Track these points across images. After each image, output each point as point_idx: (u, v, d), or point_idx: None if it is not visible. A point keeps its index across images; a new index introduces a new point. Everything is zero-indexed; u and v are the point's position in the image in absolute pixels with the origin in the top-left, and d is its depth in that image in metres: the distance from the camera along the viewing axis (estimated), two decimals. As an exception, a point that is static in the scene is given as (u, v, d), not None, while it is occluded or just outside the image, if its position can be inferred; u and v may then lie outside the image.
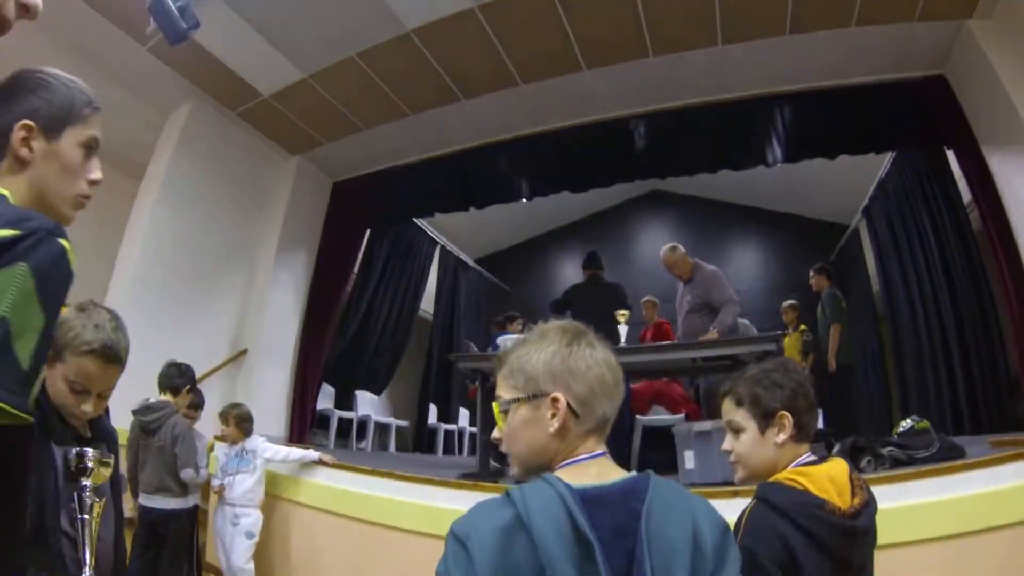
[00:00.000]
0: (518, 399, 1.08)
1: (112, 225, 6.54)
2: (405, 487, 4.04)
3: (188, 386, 4.10)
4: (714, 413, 5.01)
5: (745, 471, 1.61)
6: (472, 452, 9.15)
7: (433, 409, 9.82)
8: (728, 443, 1.63)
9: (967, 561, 2.73)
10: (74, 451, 1.43)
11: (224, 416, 4.54)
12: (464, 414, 10.18)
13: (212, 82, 6.24)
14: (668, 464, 4.03)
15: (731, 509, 2.81)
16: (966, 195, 5.59)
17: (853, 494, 1.45)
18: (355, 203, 7.92)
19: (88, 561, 1.35)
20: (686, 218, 10.93)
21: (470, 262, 11.50)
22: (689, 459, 3.81)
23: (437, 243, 10.09)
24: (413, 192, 7.74)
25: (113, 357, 1.54)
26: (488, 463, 4.67)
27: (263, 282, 7.17)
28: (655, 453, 4.75)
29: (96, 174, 1.19)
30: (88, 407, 1.50)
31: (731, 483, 3.51)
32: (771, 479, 1.51)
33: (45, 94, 1.11)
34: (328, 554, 4.31)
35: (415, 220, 9.12)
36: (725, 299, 5.22)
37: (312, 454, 4.71)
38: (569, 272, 11.43)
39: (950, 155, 5.67)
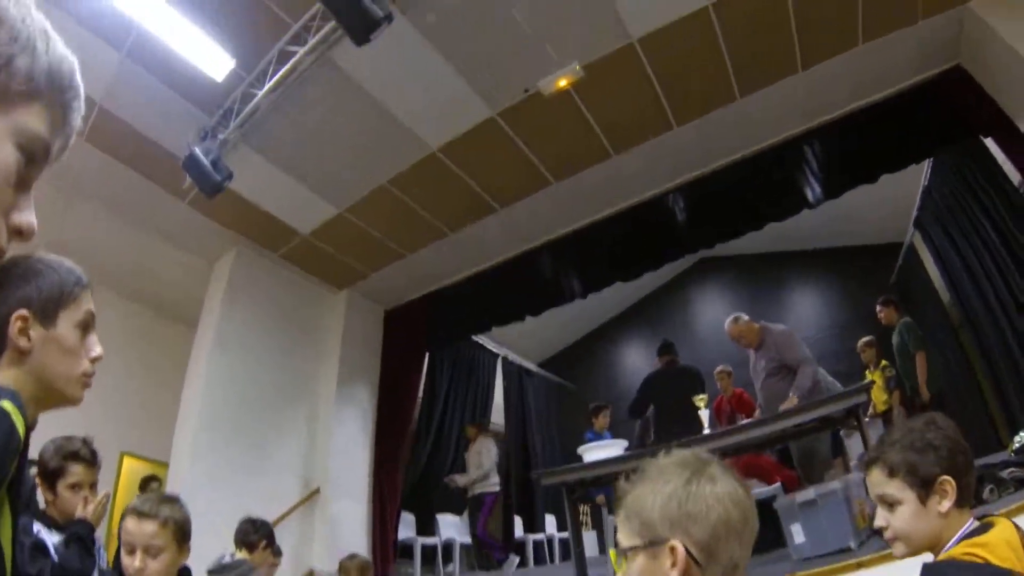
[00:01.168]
0: (635, 547, 0.98)
1: (171, 376, 6.84)
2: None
3: (264, 542, 3.94)
4: (812, 478, 4.71)
5: (907, 547, 1.41)
6: (564, 558, 8.83)
7: (519, 521, 9.51)
8: (882, 519, 1.43)
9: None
10: None
11: (343, 571, 4.46)
12: (551, 520, 9.83)
13: (252, 227, 6.52)
14: (775, 540, 3.75)
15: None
16: (1015, 176, 5.34)
17: None
18: (410, 328, 8.00)
19: None
20: (739, 278, 10.75)
21: (533, 367, 11.43)
22: (797, 533, 3.54)
23: (498, 355, 10.08)
24: (467, 309, 7.82)
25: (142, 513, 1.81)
26: (585, 572, 4.43)
27: (326, 418, 7.24)
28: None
29: (96, 351, 1.18)
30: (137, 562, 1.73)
31: (848, 548, 3.25)
32: (944, 556, 1.32)
33: (35, 280, 1.10)
34: None
35: (473, 337, 9.15)
36: (800, 359, 5.00)
37: None
38: (632, 358, 11.22)
39: (988, 143, 5.43)
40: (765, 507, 3.87)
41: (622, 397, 10.96)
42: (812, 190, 5.93)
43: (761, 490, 5.12)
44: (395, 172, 5.82)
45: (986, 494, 3.07)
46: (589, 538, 7.64)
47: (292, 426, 7.07)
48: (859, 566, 2.75)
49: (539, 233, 7.01)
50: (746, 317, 5.44)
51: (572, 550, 4.66)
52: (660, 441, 5.89)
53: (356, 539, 6.80)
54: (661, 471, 1.00)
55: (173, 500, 1.91)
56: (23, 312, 1.07)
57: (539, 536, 9.51)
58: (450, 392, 8.80)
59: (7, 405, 0.94)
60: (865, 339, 6.78)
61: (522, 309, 7.69)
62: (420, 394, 8.37)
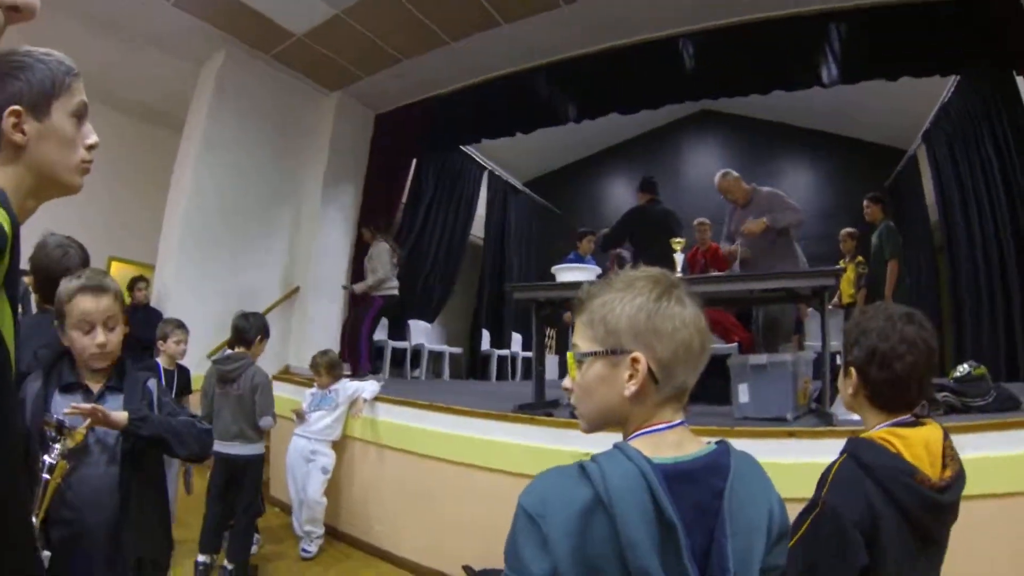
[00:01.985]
0: (595, 352, 0.97)
1: (158, 179, 6.89)
2: (462, 421, 4.07)
3: (260, 336, 4.11)
4: (769, 346, 4.91)
5: None
6: (526, 376, 9.28)
7: (486, 335, 9.94)
8: None
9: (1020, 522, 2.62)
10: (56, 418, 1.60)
11: (315, 366, 4.65)
12: (517, 339, 10.29)
13: (243, 28, 6.25)
14: (721, 395, 3.97)
15: (785, 450, 2.81)
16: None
17: (944, 465, 1.34)
18: (399, 134, 7.85)
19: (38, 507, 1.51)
20: (737, 138, 10.45)
21: (519, 186, 11.38)
22: (743, 392, 3.73)
23: (485, 168, 10.00)
24: (458, 119, 7.61)
25: (98, 288, 1.77)
26: (543, 395, 4.64)
27: (311, 219, 7.32)
28: (709, 381, 4.67)
29: (92, 138, 1.20)
30: (101, 338, 1.74)
31: (784, 418, 3.48)
32: (863, 435, 1.41)
33: (24, 75, 1.10)
34: (388, 487, 4.44)
35: (462, 147, 9.01)
36: (793, 209, 4.99)
37: (368, 388, 4.76)
38: (618, 193, 11.19)
39: (1020, 81, 5.21)
40: (719, 363, 4.07)
41: (603, 226, 11.07)
42: (829, 70, 5.63)
43: (719, 346, 5.36)
44: (398, -27, 5.43)
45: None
46: (552, 361, 8.01)
47: (277, 227, 7.18)
48: (790, 435, 2.95)
49: (541, 54, 6.67)
50: (735, 174, 5.38)
51: (533, 368, 4.77)
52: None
53: (330, 339, 7.02)
54: (630, 283, 0.97)
55: (105, 272, 1.90)
56: (15, 107, 1.07)
57: (504, 352, 9.97)
58: (433, 200, 8.79)
59: None
60: (847, 230, 6.78)
61: (514, 125, 7.52)
62: (403, 200, 8.38)
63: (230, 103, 6.61)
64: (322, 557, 4.32)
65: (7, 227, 0.95)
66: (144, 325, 5.13)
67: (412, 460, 4.26)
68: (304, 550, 4.29)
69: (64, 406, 1.63)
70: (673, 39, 6.11)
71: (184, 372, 4.13)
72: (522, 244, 11.10)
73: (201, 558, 3.72)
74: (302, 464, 4.46)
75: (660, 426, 0.94)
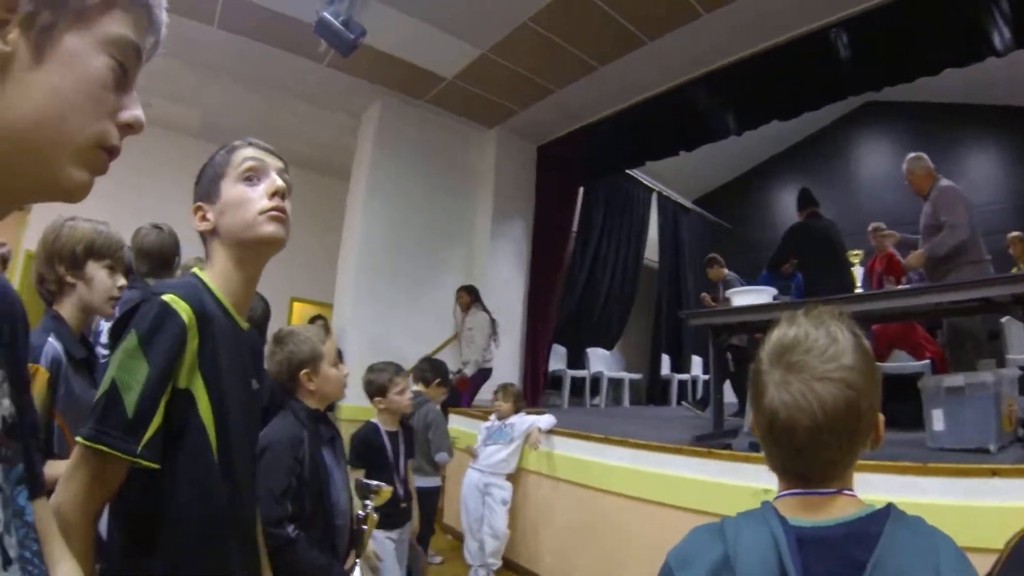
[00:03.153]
0: None
1: (331, 224, 7.53)
2: (636, 454, 3.92)
3: (438, 379, 4.33)
4: (960, 361, 4.33)
5: None
6: (705, 400, 8.92)
7: (666, 360, 9.70)
8: None
9: None
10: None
11: (504, 392, 4.75)
12: (697, 362, 9.93)
13: (395, 78, 6.61)
14: (914, 421, 3.56)
15: (987, 491, 2.43)
16: None
17: None
18: (562, 163, 7.88)
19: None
20: (907, 128, 9.31)
21: (688, 204, 11.07)
22: (937, 419, 3.29)
23: (653, 190, 9.83)
24: (619, 143, 7.50)
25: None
26: (721, 424, 4.41)
27: (482, 255, 7.50)
28: (899, 406, 4.19)
29: (270, 186, 1.26)
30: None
31: (986, 450, 3.04)
32: None
33: (200, 178, 1.27)
34: (560, 519, 4.36)
35: (627, 171, 8.93)
36: (950, 221, 4.40)
37: (541, 423, 4.72)
38: (788, 201, 10.53)
39: None
40: (910, 384, 3.65)
41: (775, 239, 10.47)
42: (1001, 35, 4.90)
43: (909, 364, 4.82)
44: (536, 8, 5.44)
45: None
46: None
47: (448, 264, 7.39)
48: (993, 473, 2.44)
49: (691, 67, 6.44)
50: (925, 160, 4.84)
51: (712, 396, 4.57)
52: (810, 295, 5.60)
53: (509, 371, 7.15)
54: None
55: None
56: (195, 206, 1.25)
57: (684, 376, 9.68)
58: (605, 226, 8.78)
59: (169, 298, 1.10)
60: (1016, 234, 5.97)
61: (675, 144, 7.27)
62: (574, 229, 8.40)
63: (390, 149, 6.97)
64: (495, 588, 4.37)
65: (186, 318, 1.09)
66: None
67: (585, 493, 4.19)
68: None
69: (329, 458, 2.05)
70: (824, 30, 5.65)
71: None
72: (696, 263, 10.73)
73: None
74: (476, 496, 4.52)
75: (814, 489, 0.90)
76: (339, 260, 7.10)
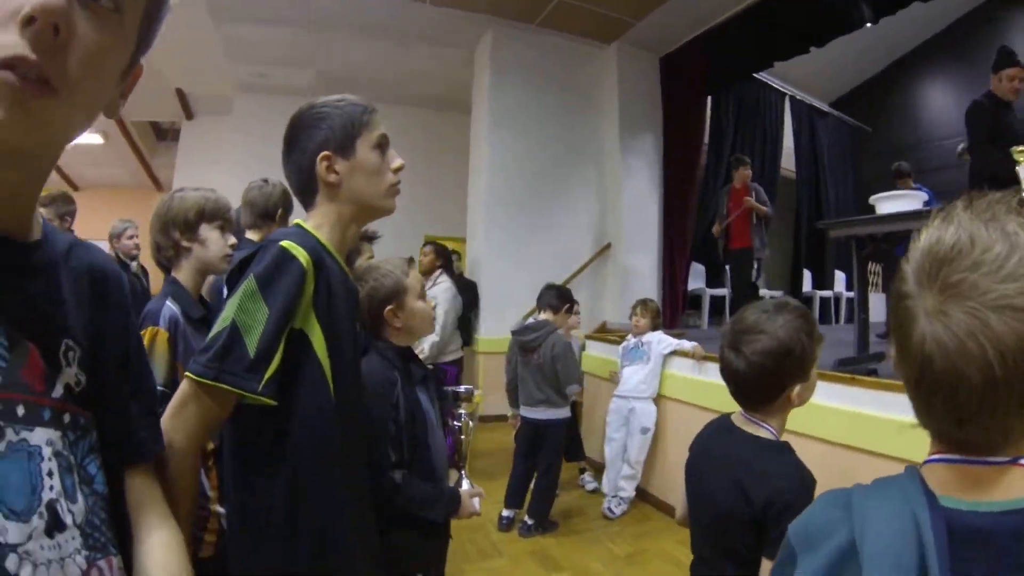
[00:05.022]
0: None
1: (459, 159, 7.62)
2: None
3: (566, 306, 4.21)
4: None
5: None
6: (850, 319, 8.37)
7: (807, 275, 9.17)
8: None
9: None
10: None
11: (643, 307, 4.56)
12: (840, 277, 9.34)
13: (502, 5, 6.48)
14: None
15: None
16: None
17: None
18: (687, 72, 7.43)
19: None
20: None
21: (825, 108, 10.26)
22: None
23: (785, 94, 9.18)
24: (745, 46, 6.98)
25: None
26: (867, 347, 3.90)
27: (614, 173, 7.23)
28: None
29: (397, 162, 1.35)
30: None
31: None
32: None
33: (325, 123, 1.28)
34: None
35: (755, 75, 8.31)
36: None
37: (686, 344, 4.43)
38: (936, 98, 9.55)
39: None
40: None
41: (925, 141, 9.54)
42: None
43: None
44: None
45: None
46: (878, 301, 7.09)
47: (580, 187, 7.22)
48: None
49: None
50: None
51: (856, 315, 4.09)
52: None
53: (647, 292, 6.77)
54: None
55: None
56: (325, 152, 1.27)
57: (827, 293, 9.15)
58: (736, 137, 8.32)
59: (287, 244, 1.16)
60: None
61: (804, 41, 6.70)
62: (705, 141, 8.00)
63: (508, 77, 6.89)
64: (623, 517, 4.26)
65: (304, 263, 1.15)
66: (463, 295, 5.28)
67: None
68: (609, 510, 4.27)
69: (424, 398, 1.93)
70: None
71: None
72: (837, 171, 10.00)
73: (505, 512, 4.03)
74: (619, 425, 4.40)
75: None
76: (469, 193, 7.12)
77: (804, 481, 1.29)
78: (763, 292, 8.44)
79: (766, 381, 1.37)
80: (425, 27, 6.74)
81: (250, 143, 7.65)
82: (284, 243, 1.15)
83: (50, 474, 0.61)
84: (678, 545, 3.68)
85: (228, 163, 8.07)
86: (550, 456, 4.03)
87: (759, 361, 1.35)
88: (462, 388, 2.06)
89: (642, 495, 4.47)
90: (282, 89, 8.07)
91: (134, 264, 4.83)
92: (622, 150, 7.19)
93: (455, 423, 2.02)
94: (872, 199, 3.86)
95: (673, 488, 4.21)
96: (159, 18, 0.68)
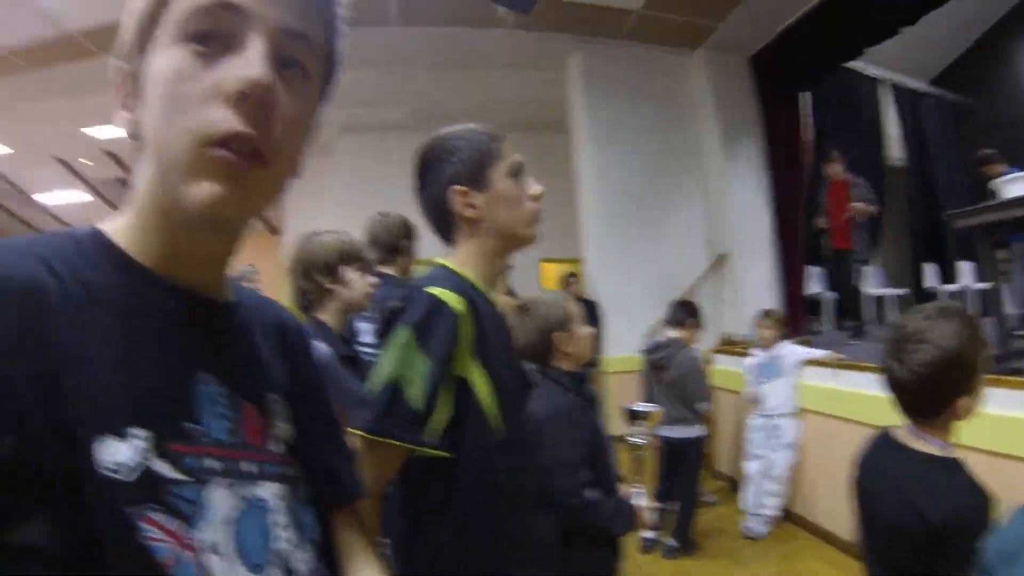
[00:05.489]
0: None
1: (560, 182, 7.35)
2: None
3: (692, 319, 4.19)
4: None
5: None
6: (985, 312, 7.83)
7: (929, 269, 8.57)
8: None
9: None
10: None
11: (767, 317, 4.49)
12: (965, 269, 8.66)
13: (582, 23, 6.57)
14: None
15: None
16: None
17: None
18: (777, 70, 7.22)
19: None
20: None
21: (924, 88, 9.67)
22: None
23: (883, 80, 8.76)
24: (831, 36, 6.64)
25: None
26: (1006, 343, 3.50)
27: (719, 182, 7.09)
28: None
29: (535, 188, 1.31)
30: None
31: None
32: None
33: (455, 157, 1.24)
34: (839, 464, 3.76)
35: (849, 64, 7.90)
36: None
37: (817, 352, 4.36)
38: None
39: None
40: None
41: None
42: None
43: None
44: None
45: None
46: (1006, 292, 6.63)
47: (685, 199, 7.18)
48: None
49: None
50: None
51: (991, 308, 3.90)
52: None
53: (764, 298, 6.61)
54: None
55: None
56: (459, 187, 1.22)
57: (953, 287, 8.46)
58: (839, 129, 7.96)
59: (437, 291, 1.14)
60: None
61: (894, 21, 6.25)
62: (809, 138, 7.72)
63: (600, 93, 6.99)
64: (766, 538, 4.18)
65: (458, 308, 1.14)
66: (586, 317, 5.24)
67: (863, 431, 3.52)
68: (748, 528, 4.17)
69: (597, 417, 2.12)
70: None
71: None
72: (946, 154, 9.38)
73: (647, 534, 3.98)
74: (761, 440, 4.28)
75: None
76: (580, 213, 7.13)
77: (981, 499, 1.25)
78: (883, 292, 8.01)
79: (931, 393, 1.31)
80: (508, 53, 6.85)
81: (353, 181, 8.08)
82: (433, 290, 1.15)
83: (278, 526, 0.64)
84: (825, 565, 3.65)
85: (332, 201, 8.41)
86: (689, 476, 4.01)
87: (924, 372, 1.28)
88: (640, 407, 2.08)
89: (789, 516, 4.31)
90: (376, 126, 8.33)
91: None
92: (724, 156, 7.03)
93: (636, 440, 2.02)
94: (993, 183, 3.57)
95: (816, 504, 4.10)
96: (335, 79, 0.69)
